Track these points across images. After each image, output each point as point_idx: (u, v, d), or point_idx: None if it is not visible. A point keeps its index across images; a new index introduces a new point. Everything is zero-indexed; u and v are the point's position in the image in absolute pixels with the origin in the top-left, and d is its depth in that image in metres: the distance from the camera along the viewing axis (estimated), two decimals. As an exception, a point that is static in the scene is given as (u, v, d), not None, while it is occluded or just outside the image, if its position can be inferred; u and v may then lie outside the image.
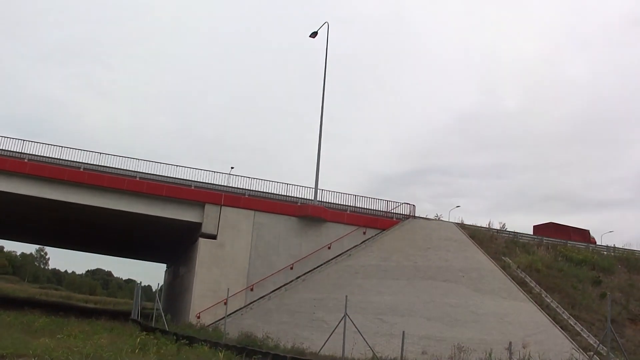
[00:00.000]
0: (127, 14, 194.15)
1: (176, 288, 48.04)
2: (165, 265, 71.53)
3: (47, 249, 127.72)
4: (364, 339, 21.09)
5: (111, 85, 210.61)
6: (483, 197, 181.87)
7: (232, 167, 38.74)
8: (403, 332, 20.38)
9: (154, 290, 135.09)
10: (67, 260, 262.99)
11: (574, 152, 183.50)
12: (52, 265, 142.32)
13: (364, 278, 34.05)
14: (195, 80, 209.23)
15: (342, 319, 20.99)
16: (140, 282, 37.04)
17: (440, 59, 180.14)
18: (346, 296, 21.74)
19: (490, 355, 20.34)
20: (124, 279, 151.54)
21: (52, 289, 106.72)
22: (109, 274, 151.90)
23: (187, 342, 22.75)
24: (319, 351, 22.10)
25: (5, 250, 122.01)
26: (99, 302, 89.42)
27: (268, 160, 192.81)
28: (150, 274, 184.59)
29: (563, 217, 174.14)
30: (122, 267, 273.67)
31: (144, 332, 26.36)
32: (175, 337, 23.76)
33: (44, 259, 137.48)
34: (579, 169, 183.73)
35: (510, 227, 44.62)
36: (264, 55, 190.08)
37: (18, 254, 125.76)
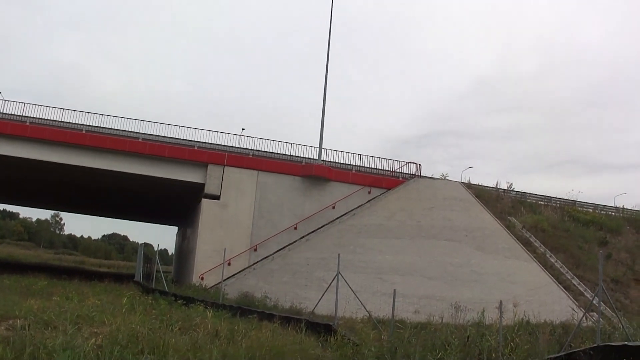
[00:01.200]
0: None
1: (184, 250, 48.26)
2: (176, 227, 71.77)
3: (62, 214, 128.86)
4: (357, 297, 20.92)
5: (125, 51, 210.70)
6: (498, 159, 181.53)
7: (243, 129, 38.68)
8: (394, 290, 20.14)
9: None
10: (83, 226, 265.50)
11: (590, 116, 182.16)
12: (67, 230, 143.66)
13: (366, 237, 33.96)
14: (208, 45, 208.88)
15: (334, 277, 20.82)
16: (143, 243, 36.94)
17: (458, 22, 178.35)
18: (339, 254, 21.41)
19: (482, 313, 20.11)
20: (139, 242, 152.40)
21: (67, 254, 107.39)
22: (125, 238, 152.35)
23: (184, 302, 22.81)
24: (313, 310, 21.99)
25: (20, 216, 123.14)
26: (112, 266, 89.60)
27: (282, 125, 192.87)
28: (165, 237, 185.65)
29: (577, 180, 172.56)
30: (138, 232, 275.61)
31: (144, 294, 26.52)
32: (173, 298, 23.83)
33: (59, 224, 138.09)
34: (594, 132, 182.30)
35: (522, 188, 44.33)
36: (278, 21, 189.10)
37: (33, 220, 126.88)
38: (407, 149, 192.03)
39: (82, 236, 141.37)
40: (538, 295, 28.39)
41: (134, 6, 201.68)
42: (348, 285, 21.04)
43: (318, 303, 21.80)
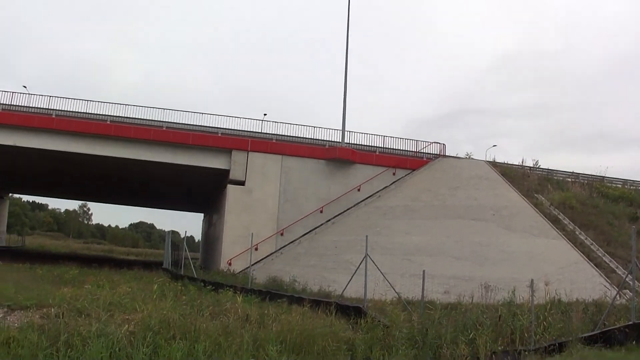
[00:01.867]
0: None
1: (210, 236, 48.45)
2: (202, 214, 72.06)
3: (90, 204, 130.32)
4: (385, 279, 20.82)
5: (147, 42, 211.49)
6: (523, 137, 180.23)
7: (265, 114, 38.71)
8: (423, 271, 20.03)
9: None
10: (110, 215, 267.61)
11: (615, 90, 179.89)
12: (95, 220, 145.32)
13: (392, 219, 33.82)
14: (230, 33, 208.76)
15: (363, 260, 20.71)
16: (170, 231, 37.20)
17: (479, 1, 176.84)
18: (367, 236, 21.29)
19: (513, 292, 19.90)
20: (166, 230, 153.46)
21: (95, 243, 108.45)
22: (152, 226, 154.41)
23: (213, 288, 22.81)
24: (342, 292, 21.91)
25: (49, 207, 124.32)
26: (141, 254, 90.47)
27: (304, 109, 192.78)
28: (192, 224, 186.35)
29: (604, 155, 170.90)
30: (165, 220, 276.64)
31: (173, 280, 26.59)
32: (202, 284, 23.84)
33: (87, 214, 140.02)
34: (621, 105, 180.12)
35: (550, 166, 43.89)
36: (298, 3, 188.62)
37: (62, 211, 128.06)
38: (431, 129, 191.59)
39: (109, 225, 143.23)
40: (569, 274, 28.00)
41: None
42: (376, 267, 20.92)
43: (347, 286, 21.69)
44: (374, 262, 20.96)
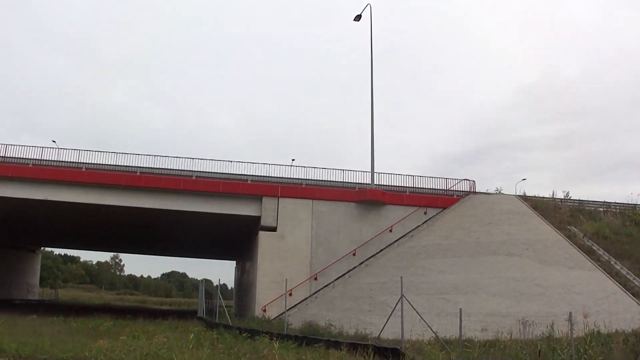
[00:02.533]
0: (184, 23, 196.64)
1: (244, 283, 48.55)
2: (234, 262, 72.29)
3: (122, 255, 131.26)
4: (422, 319, 20.84)
5: (174, 91, 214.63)
6: (551, 169, 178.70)
7: (292, 160, 39.09)
8: (460, 309, 20.03)
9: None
10: (142, 266, 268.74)
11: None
12: (127, 271, 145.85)
13: (425, 258, 33.78)
14: (254, 78, 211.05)
15: (398, 301, 20.73)
16: (203, 279, 37.24)
17: (496, 35, 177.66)
18: (401, 277, 21.31)
19: (552, 327, 19.81)
20: (199, 279, 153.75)
21: (128, 294, 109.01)
22: (184, 275, 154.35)
23: (249, 335, 22.83)
24: (379, 335, 21.86)
25: (81, 260, 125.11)
26: (174, 304, 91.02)
27: (331, 152, 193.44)
28: (223, 272, 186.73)
29: (634, 184, 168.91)
30: (196, 268, 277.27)
31: (208, 329, 26.67)
32: (238, 332, 23.90)
33: (119, 265, 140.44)
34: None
35: (581, 196, 43.73)
36: (320, 45, 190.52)
37: (94, 262, 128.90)
38: (459, 165, 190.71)
39: (141, 276, 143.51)
40: (606, 305, 27.77)
41: (178, 45, 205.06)
42: (412, 307, 20.94)
43: (383, 328, 21.68)
44: (409, 303, 20.99)
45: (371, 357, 17.62)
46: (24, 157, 37.66)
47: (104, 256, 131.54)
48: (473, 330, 24.17)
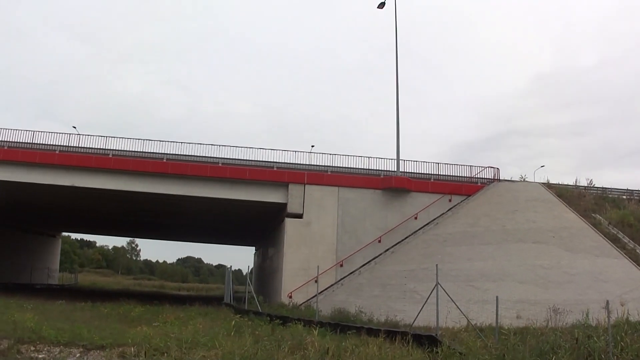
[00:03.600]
0: (200, 10, 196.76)
1: (266, 269, 48.72)
2: (254, 248, 72.59)
3: (138, 240, 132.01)
4: (457, 307, 20.98)
5: (190, 78, 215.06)
6: (567, 156, 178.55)
7: (312, 146, 39.21)
8: (497, 297, 20.23)
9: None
10: (158, 251, 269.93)
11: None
12: (143, 256, 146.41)
13: (452, 246, 33.86)
14: (272, 64, 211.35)
15: (434, 288, 20.87)
16: (231, 267, 37.40)
17: (513, 22, 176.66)
18: (437, 265, 21.57)
19: (587, 315, 19.87)
20: (214, 264, 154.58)
21: (145, 279, 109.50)
22: (200, 260, 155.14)
23: (281, 322, 23.00)
24: (413, 322, 21.99)
25: (97, 245, 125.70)
26: (192, 289, 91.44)
27: (347, 138, 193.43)
28: (239, 257, 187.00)
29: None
30: (212, 254, 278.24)
31: (238, 315, 26.86)
32: (268, 318, 24.04)
33: (135, 250, 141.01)
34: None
35: (598, 183, 43.76)
36: (339, 35, 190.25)
37: (110, 247, 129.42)
38: (475, 152, 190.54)
39: (157, 260, 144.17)
40: (635, 292, 27.82)
41: (194, 32, 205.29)
42: (448, 295, 21.08)
43: (418, 315, 21.79)
44: (445, 291, 21.13)
45: (410, 344, 17.75)
46: (51, 143, 37.93)
47: (120, 241, 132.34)
48: (503, 317, 24.20)
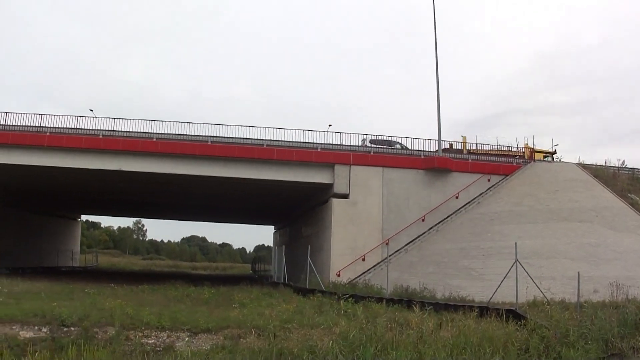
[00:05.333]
0: None
1: (300, 249, 49.34)
2: (272, 227, 73.41)
3: (144, 220, 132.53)
4: (535, 283, 22.03)
5: (191, 61, 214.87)
6: (568, 134, 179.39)
7: (329, 125, 39.82)
8: (578, 273, 21.17)
9: (248, 252, 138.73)
10: (162, 230, 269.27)
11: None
12: (148, 236, 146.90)
13: (500, 224, 34.58)
14: (274, 47, 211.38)
15: (512, 265, 21.74)
16: (283, 247, 37.87)
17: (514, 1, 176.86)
18: (515, 243, 22.47)
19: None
20: (218, 243, 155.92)
21: (156, 259, 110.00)
22: (204, 239, 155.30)
23: (353, 300, 23.66)
24: (490, 299, 22.62)
25: (102, 226, 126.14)
26: (207, 268, 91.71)
27: (344, 118, 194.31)
28: (244, 236, 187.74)
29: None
30: (216, 232, 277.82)
31: (300, 294, 27.53)
32: (336, 297, 24.56)
33: (141, 231, 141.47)
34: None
35: (611, 162, 44.48)
36: (345, 14, 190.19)
37: (114, 228, 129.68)
38: (476, 130, 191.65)
39: (162, 240, 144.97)
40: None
41: (195, 15, 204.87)
42: (526, 272, 21.99)
43: (496, 291, 22.42)
44: (523, 268, 22.02)
45: (503, 318, 18.29)
46: (95, 128, 38.19)
47: (125, 221, 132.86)
48: (561, 292, 25.03)
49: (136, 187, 45.50)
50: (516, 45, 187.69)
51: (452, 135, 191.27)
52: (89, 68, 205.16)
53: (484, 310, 19.76)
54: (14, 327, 16.03)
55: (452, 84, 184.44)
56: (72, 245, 71.77)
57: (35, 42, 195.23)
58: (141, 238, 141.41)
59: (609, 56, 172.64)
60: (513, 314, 18.71)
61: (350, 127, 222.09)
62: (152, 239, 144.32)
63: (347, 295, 24.53)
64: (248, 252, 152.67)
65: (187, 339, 16.31)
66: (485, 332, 16.48)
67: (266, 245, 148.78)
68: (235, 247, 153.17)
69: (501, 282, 22.34)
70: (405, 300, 22.94)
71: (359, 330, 16.15)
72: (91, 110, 40.33)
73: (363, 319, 17.75)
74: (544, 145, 47.28)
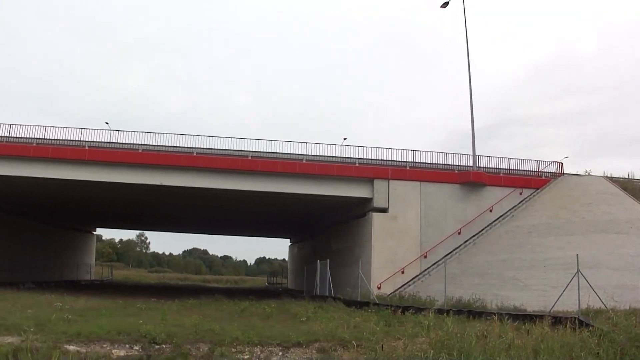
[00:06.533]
0: (200, 5, 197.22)
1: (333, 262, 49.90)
2: (287, 240, 74.16)
3: (147, 233, 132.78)
4: (596, 293, 22.76)
5: (189, 74, 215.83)
6: (565, 144, 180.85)
7: (345, 138, 40.61)
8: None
9: (249, 264, 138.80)
10: (163, 243, 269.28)
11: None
12: (151, 248, 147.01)
13: (538, 236, 35.37)
14: (269, 58, 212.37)
15: (574, 276, 22.55)
16: (327, 261, 38.30)
17: (512, 10, 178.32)
18: (577, 255, 23.22)
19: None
20: (219, 255, 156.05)
21: (162, 272, 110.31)
22: (205, 252, 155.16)
23: (413, 311, 24.21)
24: (552, 308, 23.34)
25: (104, 238, 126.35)
26: (219, 281, 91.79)
27: (341, 130, 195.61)
28: (245, 248, 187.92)
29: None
30: (216, 246, 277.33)
31: (354, 307, 28.08)
32: (392, 308, 25.18)
33: (144, 243, 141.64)
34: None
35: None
36: (337, 22, 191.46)
37: (116, 240, 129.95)
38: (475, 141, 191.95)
39: (163, 253, 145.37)
40: None
41: (194, 27, 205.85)
42: (588, 283, 22.71)
43: (557, 301, 23.25)
44: (585, 278, 22.79)
45: (576, 327, 18.89)
46: (133, 142, 38.85)
47: (127, 234, 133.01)
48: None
49: (168, 200, 45.78)
50: (514, 56, 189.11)
51: (449, 146, 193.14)
52: (85, 81, 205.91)
53: (543, 318, 20.31)
54: (104, 346, 15.60)
55: (448, 93, 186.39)
56: (89, 258, 72.41)
57: (31, 54, 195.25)
58: (144, 250, 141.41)
59: (606, 64, 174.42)
60: (579, 322, 19.35)
61: (350, 138, 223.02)
62: (154, 252, 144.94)
63: (406, 307, 25.27)
64: (249, 264, 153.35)
65: (280, 353, 16.23)
66: (562, 338, 17.08)
67: (267, 257, 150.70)
68: (235, 259, 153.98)
69: (563, 291, 23.29)
70: (465, 311, 23.61)
71: (455, 339, 16.61)
72: (107, 123, 40.57)
73: (451, 328, 18.21)
74: (543, 156, 48.18)
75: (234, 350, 15.96)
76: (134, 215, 60.87)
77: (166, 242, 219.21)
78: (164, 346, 15.80)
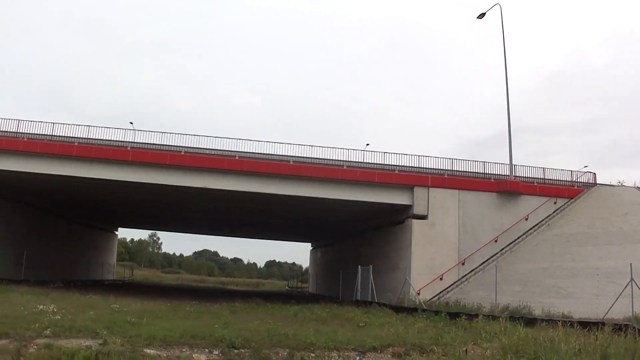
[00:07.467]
0: (207, 4, 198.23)
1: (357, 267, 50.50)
2: (309, 244, 74.85)
3: (160, 233, 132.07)
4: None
5: (198, 73, 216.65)
6: (576, 153, 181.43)
7: (367, 144, 41.29)
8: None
9: (259, 267, 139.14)
10: (174, 243, 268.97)
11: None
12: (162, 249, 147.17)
13: (577, 245, 36.03)
14: (280, 58, 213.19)
15: (628, 283, 23.22)
16: (370, 267, 38.84)
17: (524, 20, 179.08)
18: (630, 264, 23.94)
19: None
20: (229, 257, 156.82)
21: (175, 273, 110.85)
22: (216, 254, 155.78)
23: (465, 317, 24.41)
24: (604, 316, 23.91)
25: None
26: (237, 284, 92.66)
27: (346, 132, 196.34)
28: (254, 251, 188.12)
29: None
30: (227, 247, 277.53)
31: (400, 314, 28.52)
32: (441, 314, 25.82)
33: (156, 243, 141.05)
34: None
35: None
36: (341, 23, 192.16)
37: (127, 240, 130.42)
38: (484, 148, 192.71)
39: (174, 253, 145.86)
40: None
41: (204, 27, 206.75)
42: (641, 290, 23.38)
43: (610, 308, 23.83)
44: (637, 286, 23.46)
45: (636, 334, 19.56)
46: (177, 144, 39.45)
47: (139, 234, 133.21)
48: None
49: (200, 202, 46.47)
50: (526, 65, 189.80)
51: (461, 153, 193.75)
52: (95, 81, 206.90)
53: (599, 325, 20.86)
54: (183, 350, 15.70)
55: (459, 100, 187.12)
56: (111, 258, 73.09)
57: (39, 53, 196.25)
58: (156, 251, 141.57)
59: (618, 75, 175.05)
60: (638, 330, 19.94)
61: (349, 141, 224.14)
62: (165, 252, 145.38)
63: (455, 313, 25.79)
64: (259, 267, 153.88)
65: (357, 358, 16.54)
66: (625, 344, 17.72)
67: (277, 260, 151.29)
68: (246, 262, 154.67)
69: (616, 299, 23.76)
70: (518, 317, 24.10)
71: (530, 343, 17.17)
72: (131, 123, 41.13)
73: (522, 334, 18.79)
74: (555, 164, 48.77)
75: (312, 355, 16.13)
76: (155, 215, 61.44)
77: (177, 243, 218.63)
78: (242, 350, 16.01)
